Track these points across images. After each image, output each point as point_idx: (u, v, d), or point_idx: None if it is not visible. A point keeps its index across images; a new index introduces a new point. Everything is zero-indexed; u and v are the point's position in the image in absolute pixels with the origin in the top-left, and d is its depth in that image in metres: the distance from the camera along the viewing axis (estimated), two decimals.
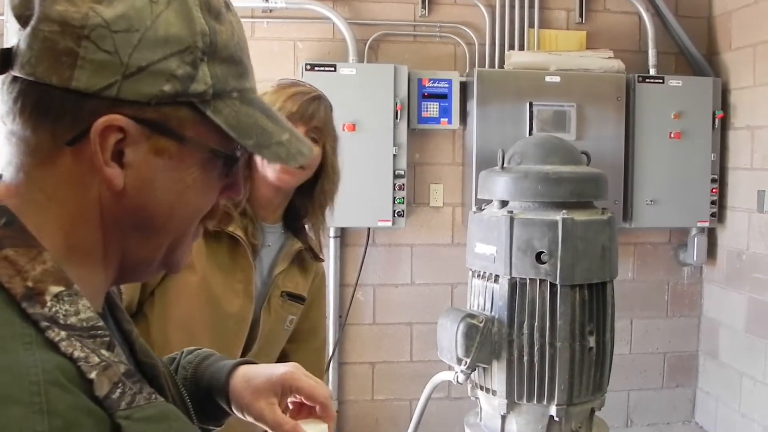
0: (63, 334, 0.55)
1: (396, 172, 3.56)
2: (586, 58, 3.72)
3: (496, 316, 1.97)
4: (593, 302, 1.97)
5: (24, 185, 0.61)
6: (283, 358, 1.67)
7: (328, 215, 1.63)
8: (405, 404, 3.85)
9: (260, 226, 1.57)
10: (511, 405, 2.00)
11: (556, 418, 1.96)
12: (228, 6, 0.66)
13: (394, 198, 3.57)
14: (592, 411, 2.07)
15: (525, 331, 1.94)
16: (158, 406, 0.59)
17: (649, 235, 4.04)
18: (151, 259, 0.67)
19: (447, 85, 3.65)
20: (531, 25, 3.82)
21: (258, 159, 1.51)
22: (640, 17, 3.91)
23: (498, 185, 2.05)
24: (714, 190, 3.80)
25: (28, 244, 0.58)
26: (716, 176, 3.81)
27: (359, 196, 3.45)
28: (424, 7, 3.76)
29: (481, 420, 2.13)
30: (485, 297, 2.02)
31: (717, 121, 3.78)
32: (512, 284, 1.95)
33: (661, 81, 3.75)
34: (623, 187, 3.72)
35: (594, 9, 3.94)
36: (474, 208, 2.16)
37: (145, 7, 0.59)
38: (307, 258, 1.65)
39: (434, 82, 3.65)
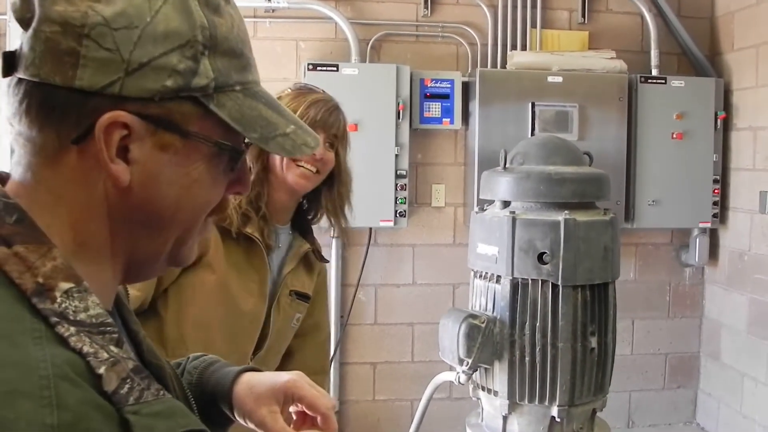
0: (72, 329, 0.56)
1: (398, 172, 3.57)
2: (589, 59, 3.73)
3: (498, 317, 1.97)
4: (595, 303, 1.97)
5: (32, 185, 0.62)
6: (288, 353, 1.71)
7: (349, 214, 1.70)
8: (406, 405, 3.85)
9: (274, 227, 1.61)
10: (513, 405, 2.00)
11: (558, 419, 1.96)
12: None
13: (396, 198, 3.57)
14: (594, 412, 2.07)
15: (527, 331, 1.95)
16: (166, 402, 0.59)
17: (651, 235, 4.04)
18: (158, 254, 0.68)
19: (449, 85, 3.65)
20: (533, 25, 3.82)
21: (277, 163, 1.56)
22: (642, 17, 3.91)
23: (500, 185, 2.05)
24: (716, 191, 3.80)
25: (38, 241, 0.59)
26: (718, 177, 3.80)
27: (361, 196, 3.40)
28: (426, 7, 3.76)
29: (482, 420, 2.13)
30: (487, 297, 2.02)
31: (719, 121, 3.77)
32: (514, 285, 1.96)
33: (663, 81, 3.75)
34: (625, 188, 3.72)
35: (596, 9, 3.94)
36: (476, 209, 2.16)
37: (144, 3, 0.60)
38: (312, 258, 1.70)
39: (436, 82, 3.65)
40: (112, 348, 0.57)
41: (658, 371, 4.12)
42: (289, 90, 1.62)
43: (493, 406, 2.05)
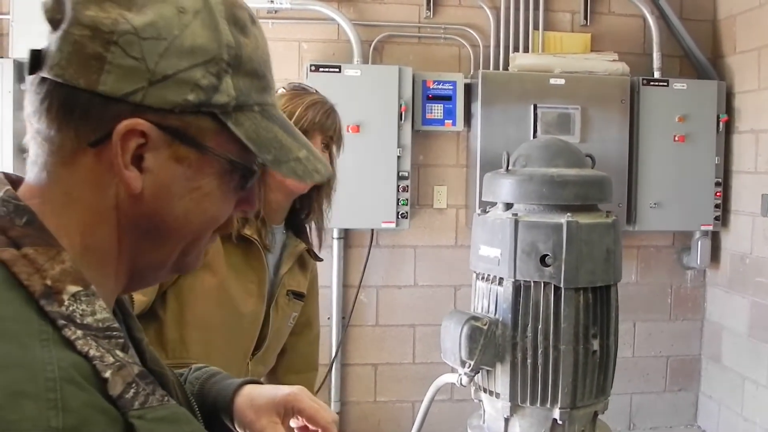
0: (79, 333, 0.56)
1: (400, 174, 3.57)
2: (591, 61, 3.73)
3: (500, 319, 1.97)
4: (597, 305, 1.97)
5: (46, 184, 0.62)
6: (280, 351, 1.72)
7: (328, 215, 1.69)
8: (408, 406, 3.85)
9: (271, 228, 1.61)
10: (515, 408, 2.00)
11: (560, 422, 1.96)
12: (253, 20, 0.67)
13: (398, 199, 3.57)
14: (595, 414, 2.07)
15: (529, 333, 1.95)
16: (170, 408, 0.59)
17: (653, 238, 4.04)
18: (162, 263, 0.68)
19: (451, 87, 3.66)
20: (536, 27, 3.83)
21: None
22: (644, 20, 3.91)
23: (502, 187, 2.05)
24: (718, 194, 3.80)
25: (47, 244, 0.59)
26: (720, 180, 3.80)
27: (363, 198, 3.45)
28: (428, 8, 3.77)
29: (484, 422, 2.13)
30: (489, 299, 2.02)
31: (721, 124, 3.77)
32: (516, 287, 1.96)
33: (665, 84, 3.75)
34: (627, 190, 3.73)
35: (599, 11, 3.94)
36: (478, 210, 2.16)
37: (174, 17, 0.61)
38: (306, 257, 1.71)
39: (439, 84, 3.66)
40: (118, 352, 0.58)
41: (659, 374, 4.12)
42: (284, 90, 1.62)
43: (494, 408, 2.05)
